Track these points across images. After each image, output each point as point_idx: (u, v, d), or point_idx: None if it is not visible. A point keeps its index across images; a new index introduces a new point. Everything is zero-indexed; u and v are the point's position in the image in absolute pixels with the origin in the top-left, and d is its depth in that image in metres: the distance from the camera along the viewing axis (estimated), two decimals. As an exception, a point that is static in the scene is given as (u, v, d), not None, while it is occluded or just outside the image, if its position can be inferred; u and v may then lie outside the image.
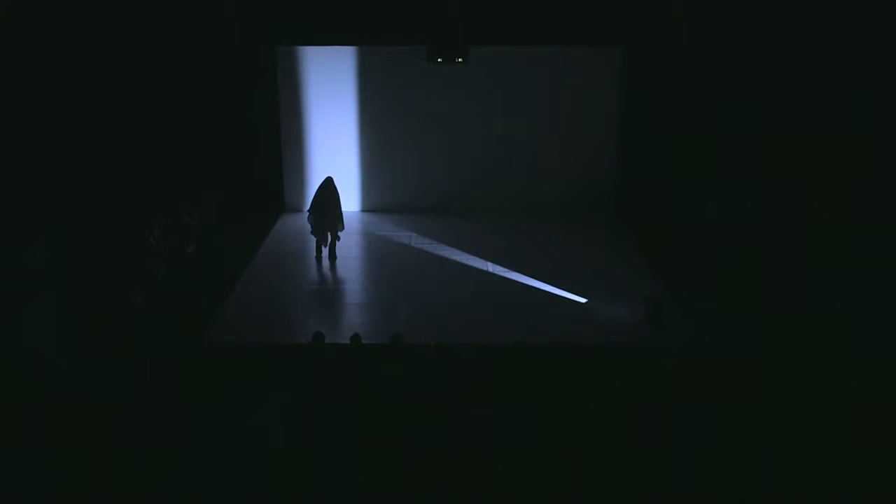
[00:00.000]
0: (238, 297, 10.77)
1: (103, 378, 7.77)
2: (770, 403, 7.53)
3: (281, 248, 12.59)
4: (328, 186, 11.89)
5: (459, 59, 13.48)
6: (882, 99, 8.84)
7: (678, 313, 10.16)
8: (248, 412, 7.11)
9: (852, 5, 9.43)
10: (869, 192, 8.86)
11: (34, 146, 8.42)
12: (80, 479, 6.42)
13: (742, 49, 11.35)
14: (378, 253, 12.67)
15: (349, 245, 12.59)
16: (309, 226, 11.93)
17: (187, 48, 12.03)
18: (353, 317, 10.22)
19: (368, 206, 14.43)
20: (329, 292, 11.02)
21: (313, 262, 12.00)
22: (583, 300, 10.73)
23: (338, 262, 12.00)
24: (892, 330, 8.11)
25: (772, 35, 10.71)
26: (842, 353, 8.32)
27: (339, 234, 12.00)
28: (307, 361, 7.98)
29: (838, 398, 7.57)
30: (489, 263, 12.02)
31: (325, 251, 11.99)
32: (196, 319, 9.76)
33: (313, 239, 12.23)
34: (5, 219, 8.01)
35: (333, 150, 14.15)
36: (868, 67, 9.06)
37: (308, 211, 12.11)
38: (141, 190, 10.57)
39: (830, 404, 7.48)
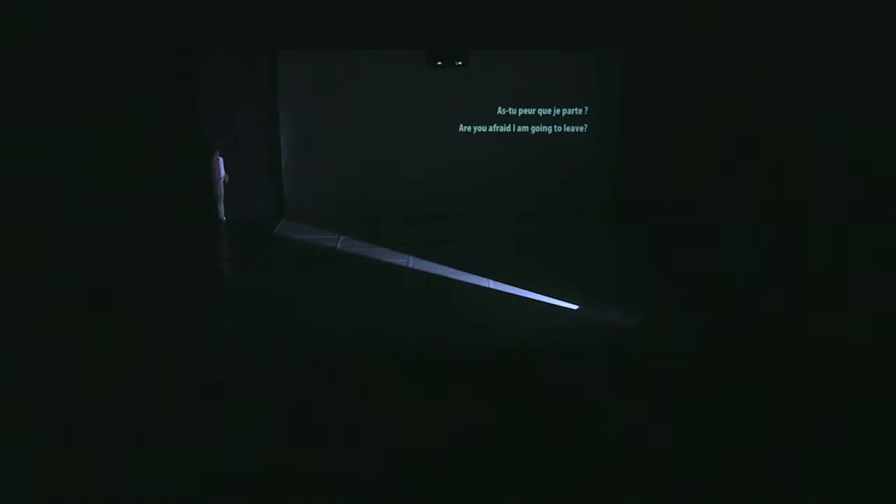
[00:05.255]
0: (238, 299, 10.78)
1: (103, 378, 7.78)
2: (770, 403, 7.52)
3: (282, 251, 12.61)
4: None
5: (459, 63, 13.54)
6: (885, 99, 8.84)
7: (677, 315, 10.16)
8: (248, 413, 7.12)
9: (853, 5, 9.44)
10: (870, 193, 8.86)
11: (33, 146, 8.44)
12: (81, 479, 6.42)
13: (742, 48, 11.36)
14: (379, 256, 12.68)
15: (349, 247, 12.61)
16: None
17: (187, 48, 12.05)
18: (354, 320, 10.22)
19: (368, 209, 14.46)
20: (329, 294, 11.02)
21: (315, 266, 12.05)
22: (583, 303, 10.73)
23: (338, 265, 12.05)
24: (892, 330, 8.10)
25: (772, 33, 10.72)
26: (842, 352, 8.31)
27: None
28: (307, 363, 7.99)
29: (839, 398, 7.56)
30: (489, 265, 12.03)
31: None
32: (196, 321, 9.76)
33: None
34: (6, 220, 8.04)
35: (333, 153, 14.18)
36: (869, 68, 9.06)
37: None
38: (142, 191, 10.60)
39: (831, 404, 7.47)
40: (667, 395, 7.67)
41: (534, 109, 14.02)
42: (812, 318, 8.89)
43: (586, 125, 14.09)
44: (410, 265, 12.19)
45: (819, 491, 6.47)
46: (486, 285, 11.37)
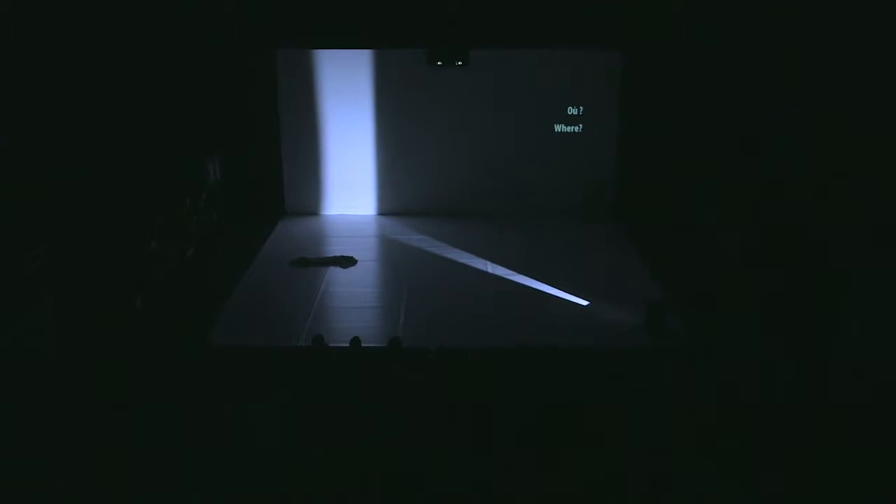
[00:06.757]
0: (238, 299, 10.78)
1: (103, 378, 7.78)
2: (769, 403, 7.52)
3: (281, 251, 12.60)
4: None
5: (459, 63, 13.53)
6: (883, 99, 8.84)
7: (678, 314, 10.16)
8: (247, 414, 7.11)
9: (853, 6, 9.43)
10: (870, 192, 8.86)
11: (33, 147, 8.44)
12: (80, 479, 6.42)
13: (742, 48, 11.35)
14: (377, 256, 12.68)
15: (349, 248, 12.61)
16: None
17: (187, 50, 12.05)
18: (353, 320, 10.22)
19: (367, 209, 14.47)
20: (329, 295, 11.03)
21: (313, 264, 12.06)
22: (583, 302, 10.72)
23: (337, 264, 12.05)
24: (892, 330, 8.09)
25: (771, 34, 10.71)
26: (842, 353, 8.30)
27: None
28: (307, 364, 7.99)
29: (838, 398, 7.56)
30: (489, 265, 12.03)
31: None
32: (196, 321, 9.77)
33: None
34: (4, 222, 8.03)
35: (333, 152, 14.18)
36: (869, 68, 9.06)
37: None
38: (141, 193, 10.60)
39: (830, 404, 7.47)
40: (666, 394, 7.67)
41: (533, 110, 14.00)
42: (812, 318, 8.88)
43: (584, 125, 14.07)
44: (410, 261, 12.19)
45: (818, 492, 6.48)
46: (485, 284, 11.37)
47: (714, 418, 7.24)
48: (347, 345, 8.26)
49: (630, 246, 12.82)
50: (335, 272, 11.80)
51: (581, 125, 14.07)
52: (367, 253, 12.57)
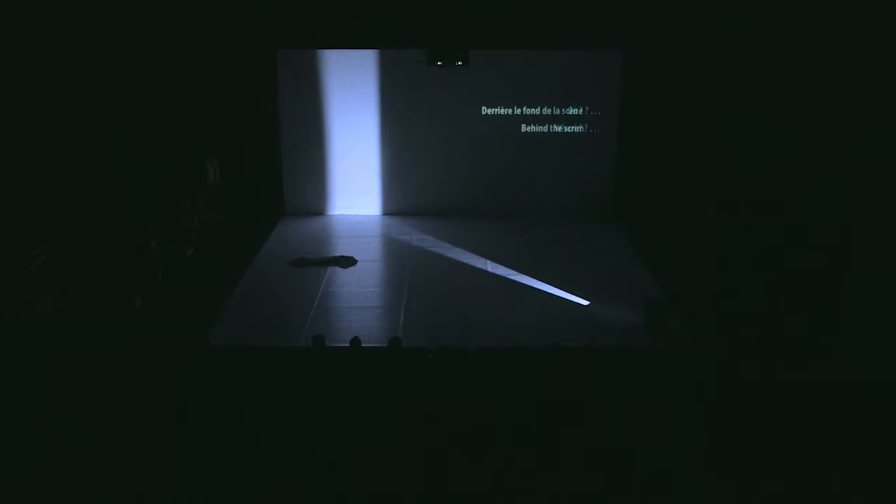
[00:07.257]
0: (238, 299, 10.78)
1: (103, 378, 7.77)
2: (770, 403, 7.52)
3: (281, 251, 12.60)
4: None
5: (459, 63, 13.54)
6: (884, 99, 8.84)
7: (678, 314, 10.16)
8: (247, 414, 7.11)
9: (853, 5, 9.44)
10: (868, 192, 8.86)
11: (33, 147, 8.45)
12: (79, 479, 6.42)
13: (742, 48, 11.35)
14: (377, 255, 12.68)
15: (348, 247, 12.61)
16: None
17: (189, 50, 12.05)
18: (353, 320, 10.22)
19: (367, 209, 14.47)
20: (329, 295, 11.02)
21: (313, 264, 12.06)
22: (583, 302, 10.72)
23: (337, 264, 12.05)
24: (891, 330, 8.10)
25: (772, 34, 10.72)
26: (842, 353, 8.31)
27: None
28: (307, 364, 7.99)
29: (837, 398, 7.55)
30: (489, 265, 12.03)
31: None
32: (196, 321, 9.76)
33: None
34: (5, 222, 8.03)
35: (332, 152, 14.18)
36: (870, 67, 9.06)
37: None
38: (141, 192, 10.60)
39: (829, 404, 7.46)
40: (666, 394, 7.67)
41: (533, 110, 14.01)
42: (811, 320, 8.89)
43: (586, 125, 14.08)
44: (410, 261, 12.18)
45: (818, 492, 6.47)
46: (485, 284, 11.37)
47: (715, 418, 7.24)
48: (347, 345, 8.26)
49: (630, 246, 12.82)
50: (335, 272, 11.80)
51: (581, 125, 14.08)
52: (367, 253, 12.57)
